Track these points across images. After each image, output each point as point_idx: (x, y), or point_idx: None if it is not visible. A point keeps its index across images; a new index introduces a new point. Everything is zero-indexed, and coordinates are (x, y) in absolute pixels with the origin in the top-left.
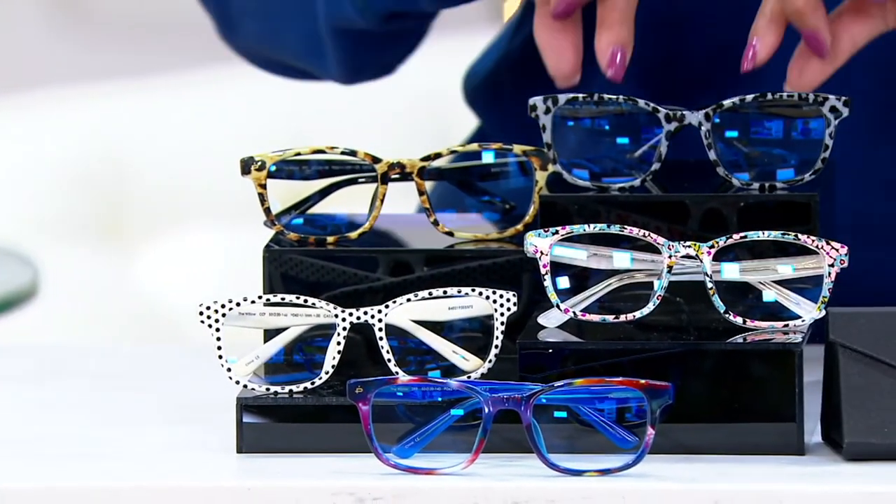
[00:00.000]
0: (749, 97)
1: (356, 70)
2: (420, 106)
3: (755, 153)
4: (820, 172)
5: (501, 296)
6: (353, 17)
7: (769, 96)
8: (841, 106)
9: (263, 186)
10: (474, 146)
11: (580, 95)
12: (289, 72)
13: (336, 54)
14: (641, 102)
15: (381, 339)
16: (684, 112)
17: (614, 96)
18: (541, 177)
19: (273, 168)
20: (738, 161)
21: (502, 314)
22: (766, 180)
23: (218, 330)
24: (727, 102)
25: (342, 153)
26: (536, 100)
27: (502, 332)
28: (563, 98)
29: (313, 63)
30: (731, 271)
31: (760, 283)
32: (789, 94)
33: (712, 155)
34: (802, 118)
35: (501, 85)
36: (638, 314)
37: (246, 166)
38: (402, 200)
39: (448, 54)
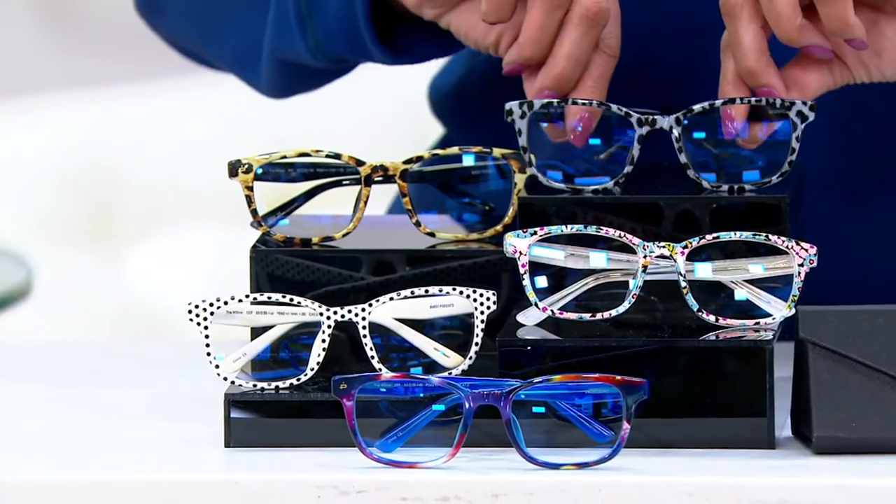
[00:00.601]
0: (718, 102)
1: (287, 91)
2: (401, 111)
3: (724, 156)
4: (787, 175)
5: (481, 294)
6: (302, 54)
7: (737, 101)
8: (807, 111)
9: (250, 189)
10: (455, 150)
11: (555, 101)
12: (211, 66)
13: (272, 76)
14: (614, 107)
15: (364, 336)
16: (656, 116)
17: (588, 101)
18: (519, 179)
19: (260, 171)
20: (707, 163)
21: (482, 312)
22: (735, 182)
23: (206, 328)
24: (697, 107)
25: (327, 156)
26: (512, 104)
27: (482, 330)
28: (538, 103)
29: (242, 73)
30: (704, 271)
31: (732, 282)
32: (757, 99)
33: (683, 158)
34: (769, 122)
35: (469, 95)
36: (614, 312)
37: (233, 169)
38: (384, 201)
39: (428, 65)
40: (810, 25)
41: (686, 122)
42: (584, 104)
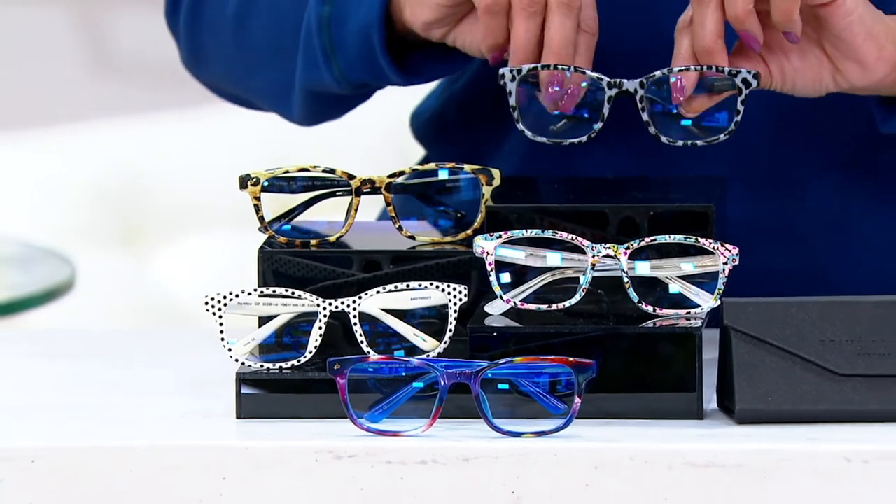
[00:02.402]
0: (676, 68)
1: (316, 119)
2: (387, 135)
3: (679, 115)
4: (733, 133)
5: (454, 289)
6: (328, 83)
7: (692, 69)
8: (751, 78)
9: (258, 199)
10: (432, 165)
11: (539, 66)
12: (248, 105)
13: (303, 106)
14: (588, 72)
15: (355, 324)
16: (623, 80)
17: (568, 67)
18: (487, 191)
19: (266, 183)
20: (665, 122)
21: (455, 304)
22: (689, 139)
23: (221, 317)
24: (657, 73)
25: (323, 171)
26: (504, 70)
27: (455, 319)
28: (526, 68)
29: (277, 107)
30: (643, 268)
31: (667, 278)
32: (708, 67)
33: (645, 116)
34: (719, 88)
35: (447, 121)
36: (567, 304)
37: (243, 182)
38: (373, 210)
39: (408, 95)
40: (755, 15)
41: (648, 85)
42: (563, 69)
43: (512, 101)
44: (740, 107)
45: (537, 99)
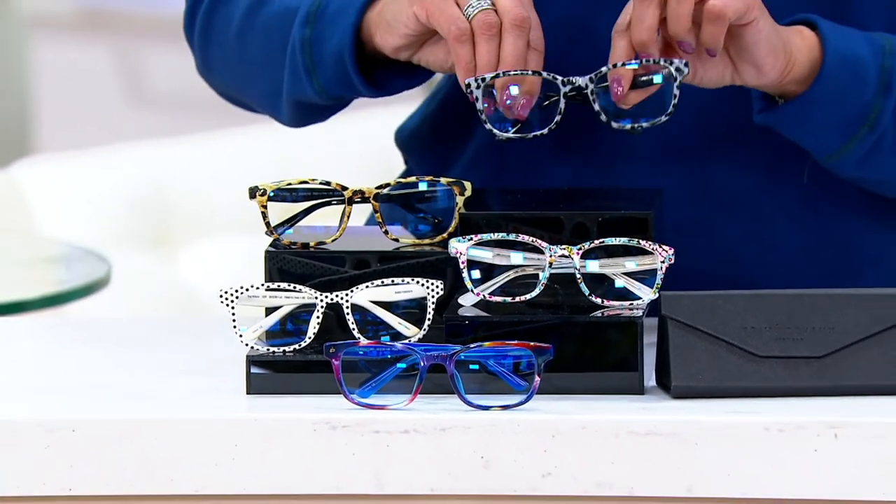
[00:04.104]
0: (619, 63)
1: (303, 123)
2: (375, 151)
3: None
4: (672, 115)
5: (433, 283)
6: (311, 95)
7: (632, 62)
8: (682, 66)
9: (265, 207)
10: (413, 178)
11: (500, 72)
12: (248, 108)
13: (291, 112)
14: (545, 73)
15: (348, 314)
16: (576, 78)
17: (526, 71)
18: (460, 200)
19: (272, 194)
20: (613, 109)
21: (433, 296)
22: (634, 122)
23: (233, 308)
24: (604, 69)
25: (320, 183)
26: (470, 80)
27: (433, 309)
28: (489, 76)
29: (269, 111)
30: (593, 266)
31: (613, 274)
32: (646, 60)
33: (596, 106)
34: (656, 78)
35: (423, 136)
36: (528, 296)
37: (252, 193)
38: (363, 215)
39: (392, 119)
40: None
41: (597, 79)
42: (523, 74)
43: (479, 105)
44: (676, 91)
45: (497, 103)
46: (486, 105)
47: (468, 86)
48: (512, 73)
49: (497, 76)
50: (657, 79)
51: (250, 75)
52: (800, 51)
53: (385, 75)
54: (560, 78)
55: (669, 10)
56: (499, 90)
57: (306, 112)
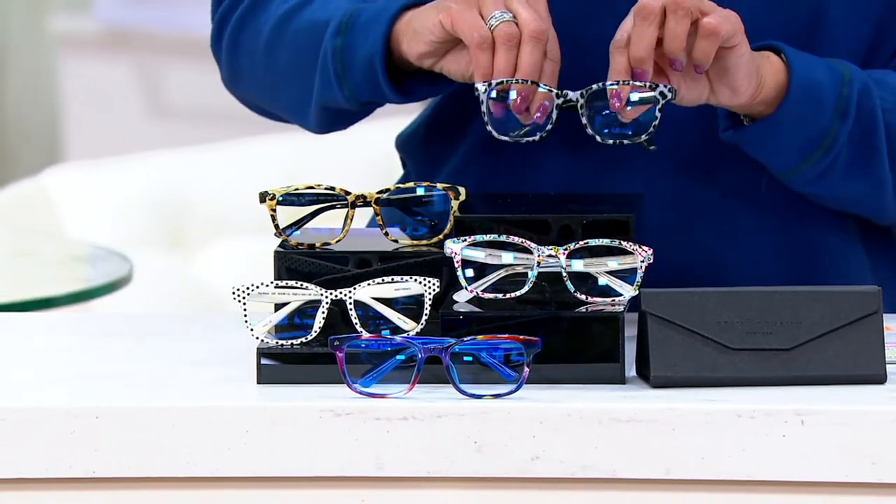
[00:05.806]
0: (609, 82)
1: (328, 129)
2: (376, 158)
3: (612, 119)
4: (653, 134)
5: (430, 281)
6: (340, 101)
7: (621, 82)
8: (667, 91)
9: (274, 211)
10: (411, 184)
11: (504, 80)
12: (273, 117)
13: (318, 118)
14: (542, 86)
15: (351, 309)
16: (569, 92)
17: (525, 81)
18: (455, 204)
19: (280, 198)
20: (601, 124)
21: (430, 293)
22: (619, 139)
23: (245, 304)
24: (594, 86)
25: (325, 188)
26: (478, 84)
27: (430, 305)
28: (495, 82)
29: (298, 119)
30: (578, 265)
31: (597, 273)
32: (634, 82)
33: (584, 120)
34: (643, 99)
35: (418, 138)
36: (518, 293)
37: (262, 197)
38: (365, 218)
39: (395, 127)
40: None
41: (587, 95)
42: (523, 83)
43: (483, 108)
44: (658, 113)
45: (502, 108)
46: (489, 107)
47: (476, 90)
48: (512, 81)
49: (501, 82)
50: (647, 98)
51: (278, 84)
52: (769, 75)
53: (410, 83)
54: (555, 91)
55: (667, 29)
56: (519, 97)
57: (333, 118)
